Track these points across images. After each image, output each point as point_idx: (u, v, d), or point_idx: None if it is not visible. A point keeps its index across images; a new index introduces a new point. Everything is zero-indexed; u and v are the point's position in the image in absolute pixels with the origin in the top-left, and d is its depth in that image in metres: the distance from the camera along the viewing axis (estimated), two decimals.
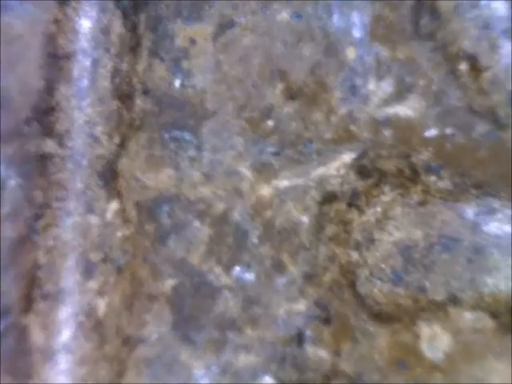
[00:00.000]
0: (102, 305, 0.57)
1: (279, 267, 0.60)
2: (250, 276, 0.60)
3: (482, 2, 0.59)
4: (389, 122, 0.61)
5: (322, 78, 0.62)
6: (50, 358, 0.55)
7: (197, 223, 0.61)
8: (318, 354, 0.58)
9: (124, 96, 0.61)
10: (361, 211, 0.58)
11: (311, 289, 0.59)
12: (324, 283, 0.59)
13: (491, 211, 0.56)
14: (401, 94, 0.61)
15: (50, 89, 0.58)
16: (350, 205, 0.59)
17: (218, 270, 0.60)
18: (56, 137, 0.58)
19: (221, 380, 0.58)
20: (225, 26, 0.63)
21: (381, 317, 0.57)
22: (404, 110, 0.60)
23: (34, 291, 0.56)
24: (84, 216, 0.57)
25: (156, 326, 0.59)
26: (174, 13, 0.64)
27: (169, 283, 0.60)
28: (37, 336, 0.55)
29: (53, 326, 0.56)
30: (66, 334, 0.56)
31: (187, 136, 0.62)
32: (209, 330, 0.59)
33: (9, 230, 0.56)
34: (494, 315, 0.55)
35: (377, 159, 0.60)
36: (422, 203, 0.57)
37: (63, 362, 0.55)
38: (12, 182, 0.57)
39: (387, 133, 0.60)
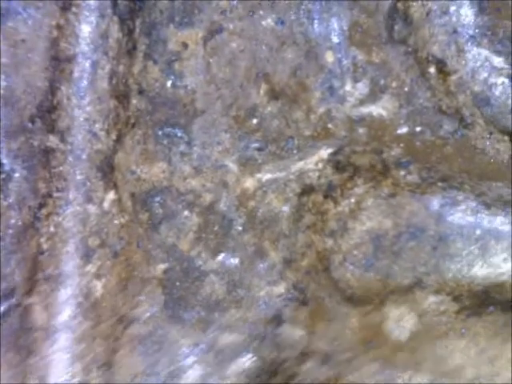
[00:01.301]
0: (99, 287, 0.58)
1: (261, 253, 0.61)
2: (234, 261, 0.61)
3: (452, 9, 0.61)
4: (363, 120, 0.62)
5: (302, 80, 0.63)
6: (51, 335, 0.56)
7: (186, 213, 0.62)
8: (295, 333, 0.60)
9: (121, 96, 0.61)
10: (336, 202, 0.60)
11: (290, 273, 0.61)
12: (302, 268, 0.61)
13: (455, 203, 0.57)
14: (375, 94, 0.63)
15: (52, 89, 0.58)
16: (326, 196, 0.61)
17: (205, 255, 0.61)
18: (58, 133, 0.58)
19: (207, 356, 0.60)
20: (214, 31, 0.64)
21: (353, 299, 0.59)
22: (378, 109, 0.62)
23: (37, 274, 0.57)
24: (83, 205, 0.58)
25: (148, 306, 0.60)
26: (167, 18, 0.64)
27: (160, 267, 0.61)
28: (39, 315, 0.56)
29: (54, 306, 0.56)
30: (66, 314, 0.56)
31: (179, 133, 0.63)
32: (197, 310, 0.61)
33: (14, 218, 0.57)
34: (456, 299, 0.57)
35: (352, 155, 0.62)
36: (392, 195, 0.58)
37: (63, 339, 0.56)
38: (17, 174, 0.57)
39: (362, 131, 0.62)
